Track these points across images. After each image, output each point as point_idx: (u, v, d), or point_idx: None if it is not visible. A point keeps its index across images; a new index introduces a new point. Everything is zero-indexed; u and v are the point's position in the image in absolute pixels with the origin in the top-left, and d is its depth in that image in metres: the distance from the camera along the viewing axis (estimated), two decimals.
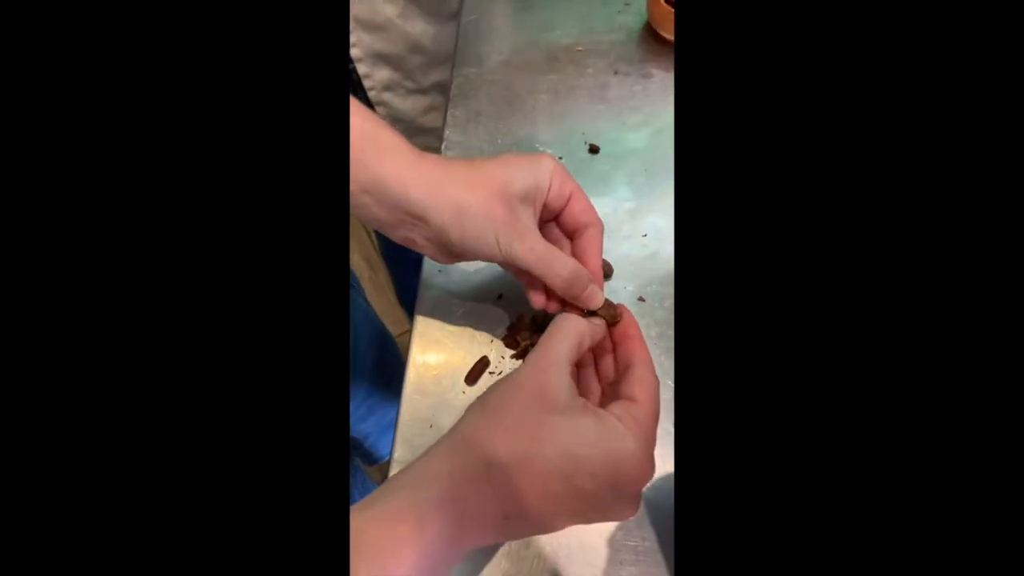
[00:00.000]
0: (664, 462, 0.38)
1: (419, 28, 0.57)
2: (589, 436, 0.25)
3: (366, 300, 0.81)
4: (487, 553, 0.34)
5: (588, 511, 0.26)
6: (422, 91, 0.63)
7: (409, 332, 0.41)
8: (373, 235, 1.28)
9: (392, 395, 0.82)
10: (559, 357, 0.27)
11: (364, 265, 1.31)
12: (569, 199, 0.32)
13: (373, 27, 0.55)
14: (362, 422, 0.82)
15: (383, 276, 1.27)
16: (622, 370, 0.29)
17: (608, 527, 0.34)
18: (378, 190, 0.29)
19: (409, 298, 0.45)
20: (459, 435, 0.27)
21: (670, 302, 0.41)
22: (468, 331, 0.41)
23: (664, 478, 0.37)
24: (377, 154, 0.29)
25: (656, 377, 0.29)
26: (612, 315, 0.31)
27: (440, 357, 0.40)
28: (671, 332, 0.40)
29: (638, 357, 0.29)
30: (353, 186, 0.30)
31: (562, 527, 0.27)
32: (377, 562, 0.23)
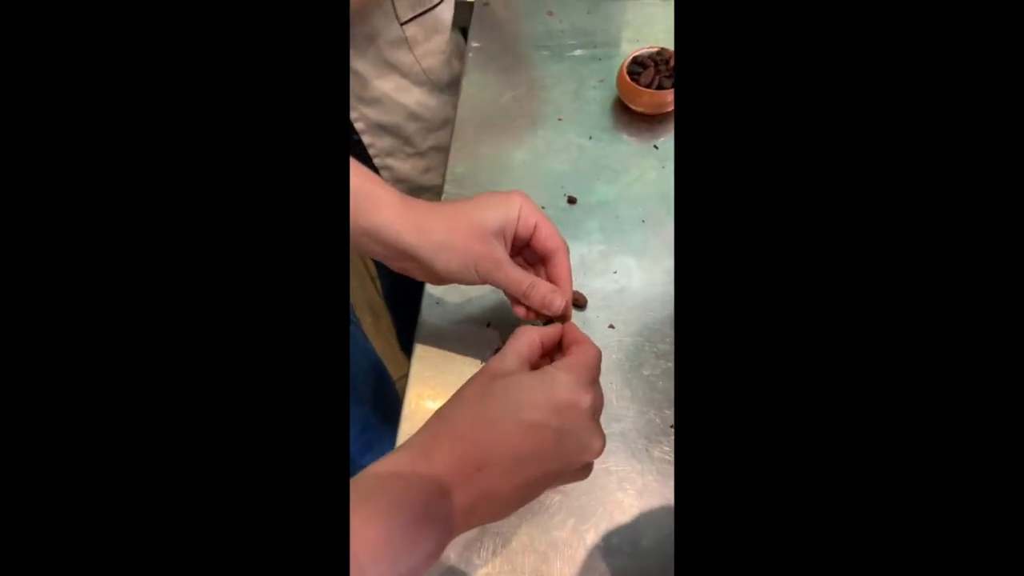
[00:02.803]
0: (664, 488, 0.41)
1: (414, 99, 0.63)
2: (529, 382, 0.30)
3: (363, 333, 0.84)
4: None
5: (548, 447, 0.29)
6: (420, 154, 0.68)
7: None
8: (378, 283, 1.33)
9: (390, 428, 0.84)
10: (513, 349, 0.32)
11: (368, 311, 1.35)
12: (535, 228, 0.37)
13: (371, 101, 0.61)
14: (361, 458, 0.84)
15: (386, 323, 1.31)
16: (566, 350, 0.35)
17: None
18: (376, 235, 0.35)
19: (410, 343, 0.49)
20: (430, 419, 0.31)
21: (636, 328, 0.45)
22: (460, 354, 0.45)
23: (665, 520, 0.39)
24: (373, 206, 0.35)
25: (595, 348, 0.34)
26: (565, 314, 0.39)
27: (437, 379, 0.44)
28: (637, 356, 0.44)
29: (578, 339, 0.34)
30: (356, 231, 0.35)
31: (536, 472, 0.29)
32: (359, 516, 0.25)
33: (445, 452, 0.28)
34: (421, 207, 0.36)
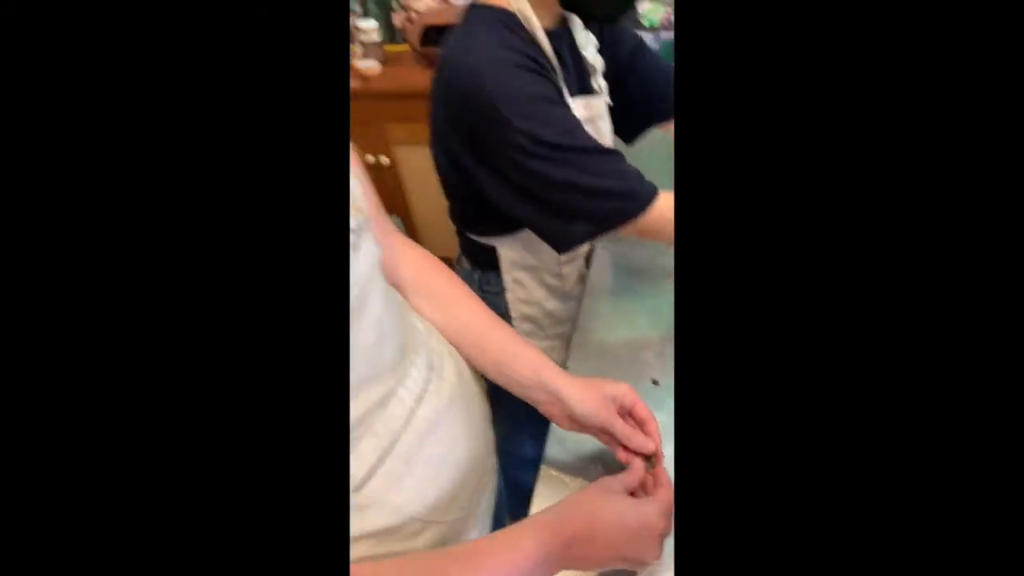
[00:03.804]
0: None
1: (551, 306, 0.91)
2: (631, 502, 0.48)
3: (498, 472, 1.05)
4: None
5: (629, 543, 0.46)
6: (548, 337, 0.95)
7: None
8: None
9: None
10: (619, 477, 0.52)
11: None
12: (634, 404, 0.59)
13: (527, 302, 0.89)
14: None
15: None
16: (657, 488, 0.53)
17: None
18: (544, 386, 0.57)
19: (510, 493, 0.67)
20: (563, 502, 0.49)
21: None
22: (574, 484, 0.64)
23: None
24: (545, 368, 0.58)
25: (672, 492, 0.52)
26: (654, 460, 0.58)
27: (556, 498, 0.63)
28: None
29: (663, 482, 0.52)
30: (531, 384, 0.58)
31: (617, 553, 0.47)
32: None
33: (573, 524, 0.46)
34: (570, 374, 0.59)
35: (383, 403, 0.49)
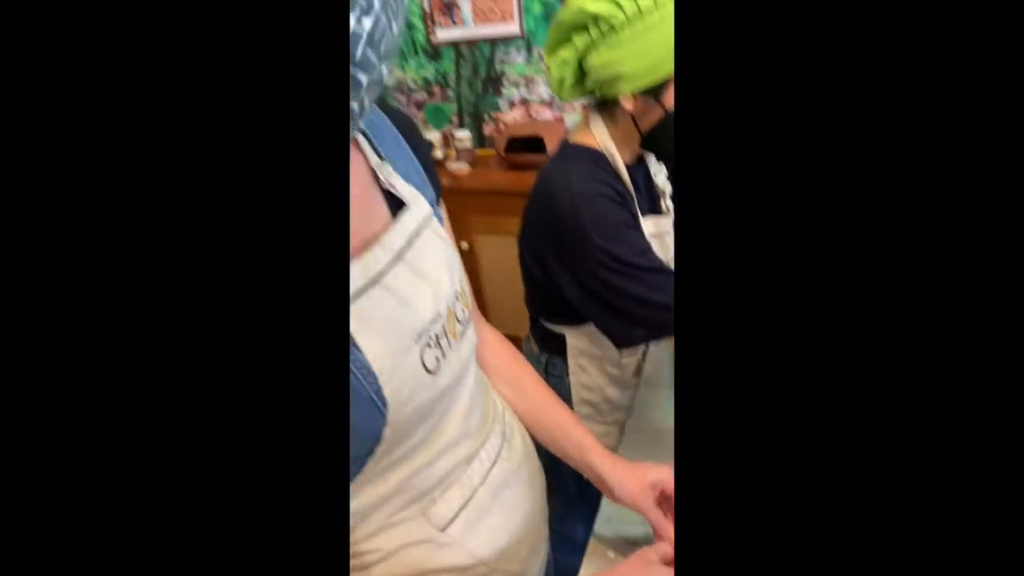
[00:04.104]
0: None
1: (611, 392, 0.99)
2: (668, 571, 0.53)
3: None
4: None
5: None
6: (605, 423, 1.03)
7: None
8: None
9: None
10: (655, 552, 0.57)
11: None
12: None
13: (590, 387, 0.99)
14: None
15: None
16: None
17: None
18: (589, 467, 0.65)
19: (556, 573, 0.73)
20: (617, 567, 0.56)
21: None
22: (619, 558, 0.70)
23: None
24: (591, 450, 0.66)
25: None
26: None
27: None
28: None
29: None
30: (577, 461, 0.65)
31: None
32: None
33: None
34: (616, 458, 0.67)
35: (468, 460, 0.59)
